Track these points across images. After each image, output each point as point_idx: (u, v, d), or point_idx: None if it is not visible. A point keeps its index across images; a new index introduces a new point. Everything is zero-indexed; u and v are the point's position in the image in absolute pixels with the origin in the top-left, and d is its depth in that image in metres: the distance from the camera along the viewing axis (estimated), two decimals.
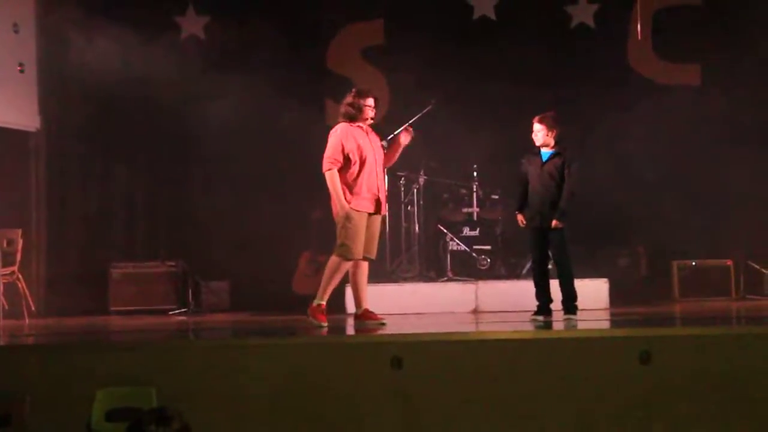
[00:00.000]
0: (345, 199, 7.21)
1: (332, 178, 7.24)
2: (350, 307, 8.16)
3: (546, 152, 7.58)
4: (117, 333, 8.15)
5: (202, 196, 10.65)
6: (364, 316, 7.41)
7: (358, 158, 7.24)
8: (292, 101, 10.02)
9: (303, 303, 7.89)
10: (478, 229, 9.90)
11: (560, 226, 7.42)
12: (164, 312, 9.88)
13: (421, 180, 9.95)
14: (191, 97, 10.15)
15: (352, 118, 7.35)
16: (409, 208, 10.03)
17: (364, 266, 7.42)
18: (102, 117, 10.45)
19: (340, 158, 7.23)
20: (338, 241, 7.27)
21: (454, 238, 9.79)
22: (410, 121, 9.50)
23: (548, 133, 7.52)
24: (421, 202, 9.99)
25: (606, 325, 7.67)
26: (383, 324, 7.23)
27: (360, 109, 7.33)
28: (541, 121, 7.56)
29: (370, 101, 7.38)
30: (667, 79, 10.56)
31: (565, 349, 5.92)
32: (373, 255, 7.41)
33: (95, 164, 10.74)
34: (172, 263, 10.25)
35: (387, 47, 10.67)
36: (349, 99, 7.38)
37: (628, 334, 6.15)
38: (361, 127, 7.36)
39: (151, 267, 10.25)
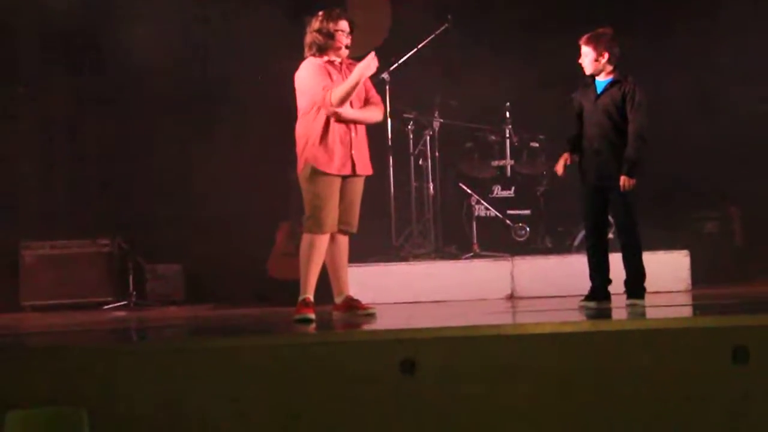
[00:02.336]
0: (310, 155, 7.27)
1: (339, 99, 7.20)
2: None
3: (601, 81, 7.58)
4: (32, 335, 8.13)
5: (144, 151, 10.64)
6: (345, 306, 7.57)
7: None
8: (261, 20, 10.01)
9: (281, 290, 7.95)
10: (512, 189, 9.98)
11: (631, 183, 7.39)
12: (96, 306, 9.96)
13: (436, 124, 9.97)
14: (119, 14, 10.19)
15: (321, 50, 7.45)
16: (420, 162, 10.07)
17: (342, 242, 7.56)
18: None
19: (330, 83, 7.26)
20: (306, 213, 7.39)
21: (482, 201, 9.85)
22: (420, 45, 9.54)
23: (598, 57, 7.51)
24: (437, 154, 10.04)
25: (687, 312, 7.70)
26: (371, 314, 7.42)
27: (331, 36, 7.42)
28: (588, 42, 7.53)
29: (344, 25, 7.46)
30: None
31: (632, 345, 5.93)
32: (353, 227, 7.54)
33: None
34: (105, 241, 10.32)
35: None
36: (315, 24, 7.47)
37: (718, 324, 6.14)
38: (332, 63, 7.45)
39: (76, 247, 10.31)
